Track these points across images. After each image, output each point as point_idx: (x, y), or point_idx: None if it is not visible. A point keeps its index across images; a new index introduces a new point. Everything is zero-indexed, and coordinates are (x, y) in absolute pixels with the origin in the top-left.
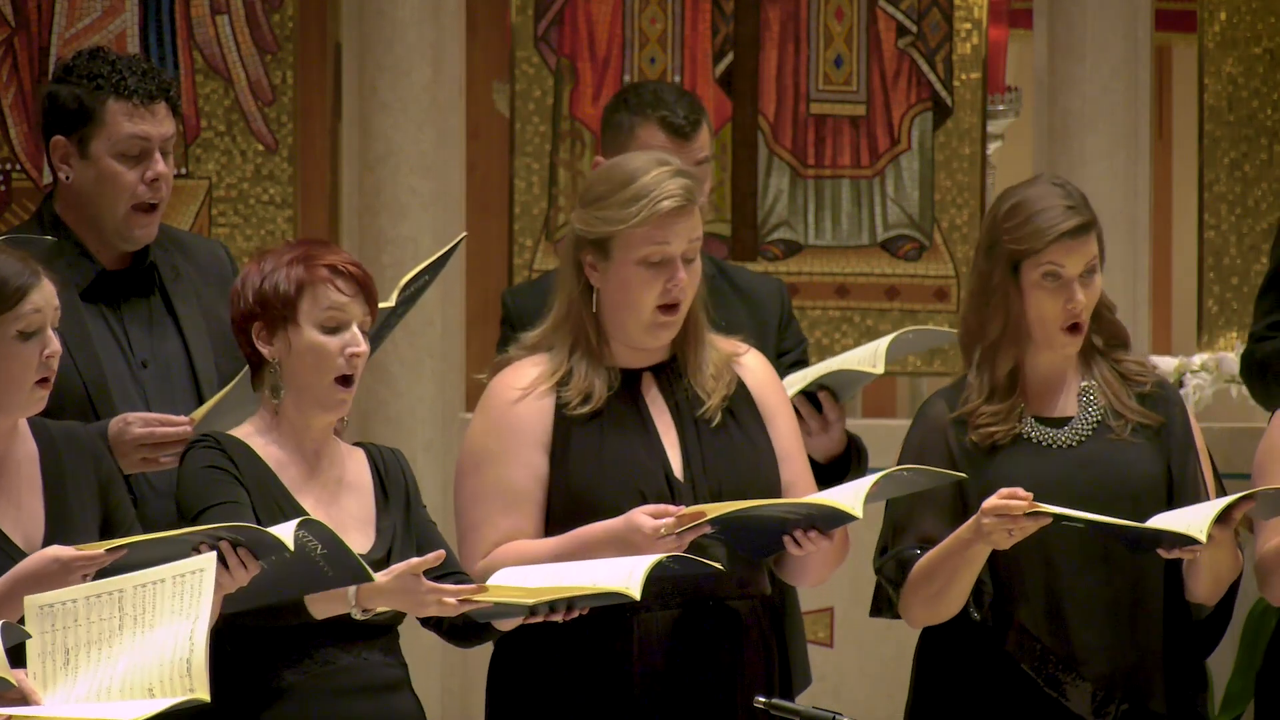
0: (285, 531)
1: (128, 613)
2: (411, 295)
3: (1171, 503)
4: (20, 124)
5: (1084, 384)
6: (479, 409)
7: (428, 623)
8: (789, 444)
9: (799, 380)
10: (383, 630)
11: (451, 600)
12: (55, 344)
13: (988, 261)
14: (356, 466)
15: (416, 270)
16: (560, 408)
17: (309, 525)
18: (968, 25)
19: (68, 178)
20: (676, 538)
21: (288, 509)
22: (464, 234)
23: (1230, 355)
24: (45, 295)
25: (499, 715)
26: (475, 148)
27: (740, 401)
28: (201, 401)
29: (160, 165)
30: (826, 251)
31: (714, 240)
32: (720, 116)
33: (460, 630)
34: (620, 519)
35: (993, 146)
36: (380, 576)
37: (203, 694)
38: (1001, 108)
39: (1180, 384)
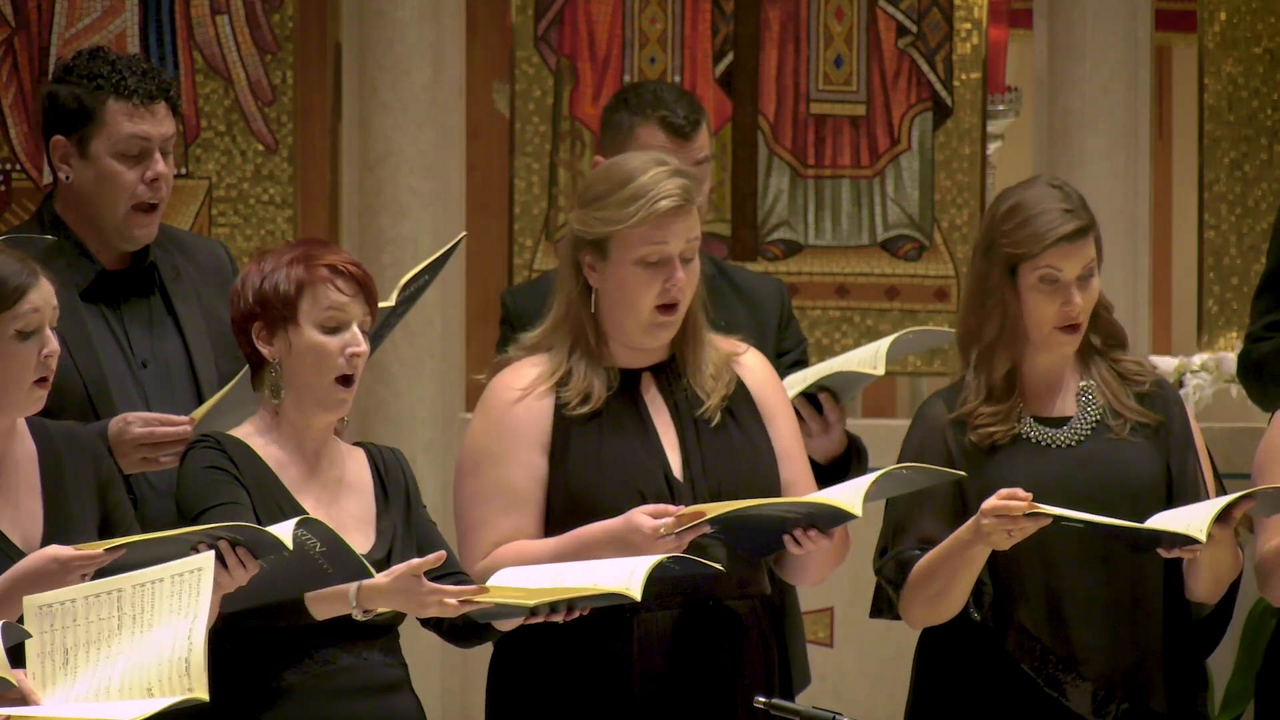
0: (284, 530)
1: (126, 612)
2: (411, 295)
3: (1171, 501)
4: (20, 124)
5: (1083, 384)
6: (478, 409)
7: (428, 623)
8: (788, 443)
9: (799, 382)
10: (383, 630)
11: (452, 601)
12: (54, 344)
13: (985, 263)
14: (356, 466)
15: (416, 270)
16: (559, 408)
17: (308, 524)
18: (968, 25)
19: (68, 178)
20: (676, 537)
21: (288, 509)
22: (464, 234)
23: (1230, 355)
24: (44, 295)
25: (499, 715)
26: (475, 148)
27: (740, 401)
28: (201, 401)
29: (160, 165)
30: (826, 251)
31: (714, 240)
32: (720, 116)
33: (460, 630)
34: (619, 519)
35: (993, 146)
36: (381, 577)
37: (201, 693)
38: (1001, 108)
39: (1180, 384)
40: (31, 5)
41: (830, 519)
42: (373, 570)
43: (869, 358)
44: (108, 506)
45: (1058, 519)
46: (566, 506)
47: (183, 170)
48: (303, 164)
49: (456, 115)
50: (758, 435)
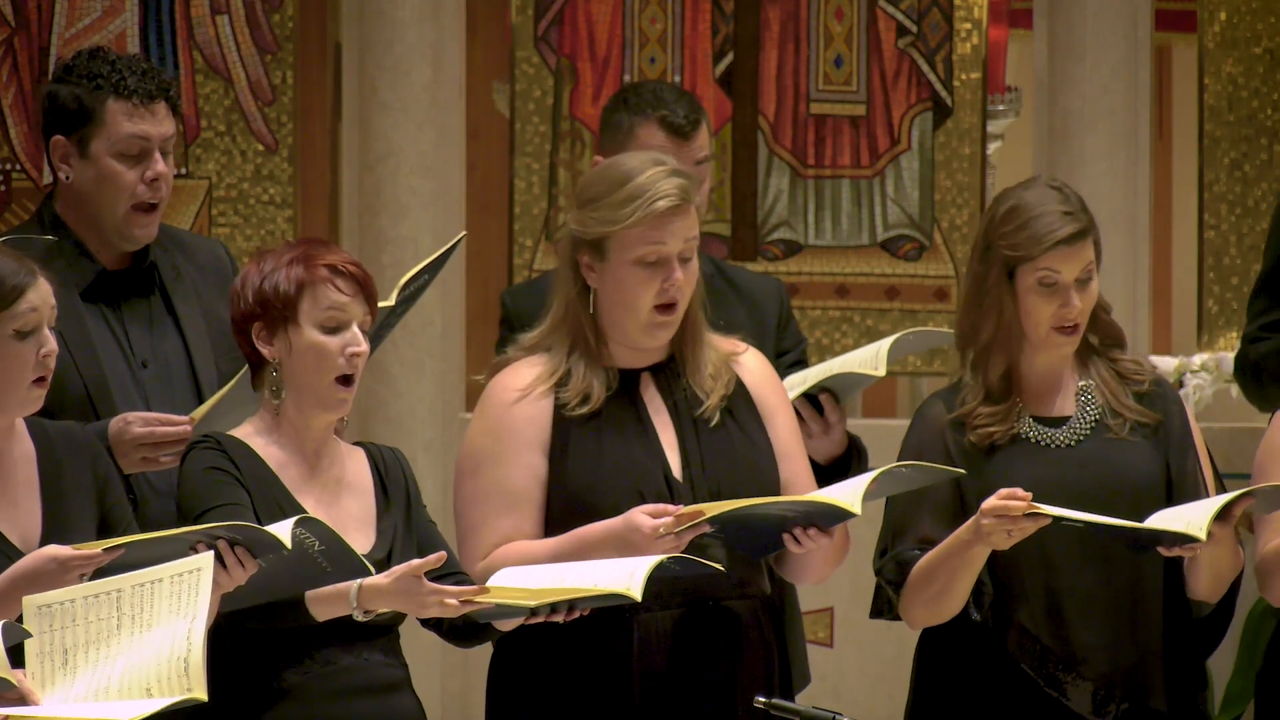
0: (282, 530)
1: (126, 612)
2: (411, 295)
3: (1170, 500)
4: (20, 124)
5: (1082, 384)
6: (477, 410)
7: (428, 623)
8: (788, 442)
9: (800, 383)
10: (383, 631)
11: (453, 601)
12: (52, 343)
13: (983, 264)
14: (357, 466)
15: (416, 270)
16: (559, 408)
17: (306, 523)
18: (968, 25)
19: (68, 178)
20: (675, 537)
21: (288, 509)
22: (463, 233)
23: (1230, 355)
24: (41, 294)
25: (499, 716)
26: (475, 148)
27: (739, 401)
28: (201, 401)
29: (160, 165)
30: (826, 251)
31: (714, 240)
32: (720, 116)
33: (461, 630)
34: (619, 519)
35: (993, 146)
36: (381, 578)
37: (200, 694)
38: (1001, 108)
39: (1180, 384)
40: (31, 5)
41: (829, 517)
42: (372, 569)
43: (870, 358)
44: (106, 506)
45: (1057, 519)
46: (566, 507)
47: (183, 170)
48: (303, 164)
49: (456, 115)
50: (757, 435)
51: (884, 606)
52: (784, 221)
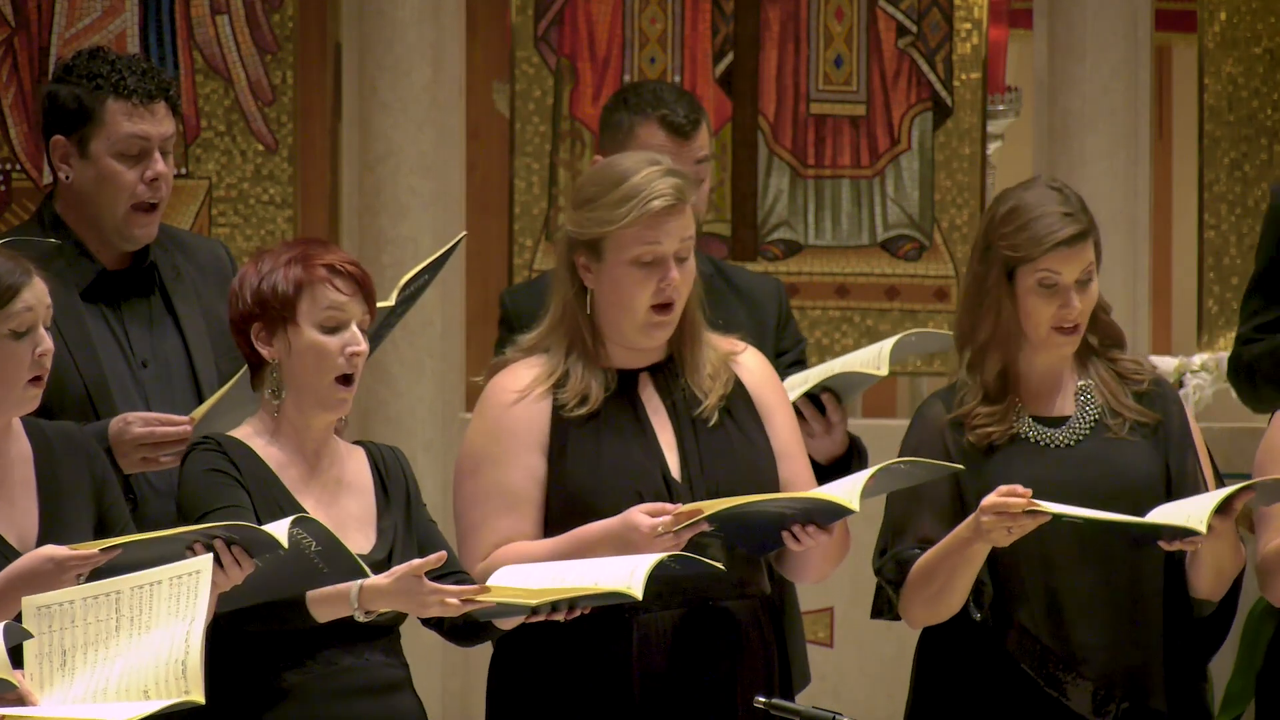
0: (279, 529)
1: (124, 614)
2: (411, 295)
3: (1170, 500)
4: (20, 124)
5: (1081, 383)
6: (476, 412)
7: (429, 622)
8: (787, 441)
9: (801, 382)
10: (384, 631)
11: (454, 601)
12: (48, 342)
13: (983, 265)
14: (357, 465)
15: (416, 270)
16: (557, 409)
17: (303, 523)
18: (968, 25)
19: (68, 177)
20: (674, 536)
21: (289, 510)
22: (464, 234)
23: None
24: (36, 293)
25: (499, 716)
26: (475, 148)
27: (738, 400)
28: (201, 401)
29: (160, 165)
30: (826, 251)
31: (714, 240)
32: (720, 116)
33: (461, 629)
34: (617, 518)
35: (993, 146)
36: (382, 578)
37: (197, 696)
38: (1001, 108)
39: (1180, 384)
40: (31, 5)
41: (828, 514)
42: (368, 570)
43: (871, 358)
44: (103, 507)
45: (1057, 515)
46: (565, 507)
47: (183, 170)
48: (303, 164)
49: (456, 115)
50: (756, 434)
51: (884, 607)
52: (784, 221)
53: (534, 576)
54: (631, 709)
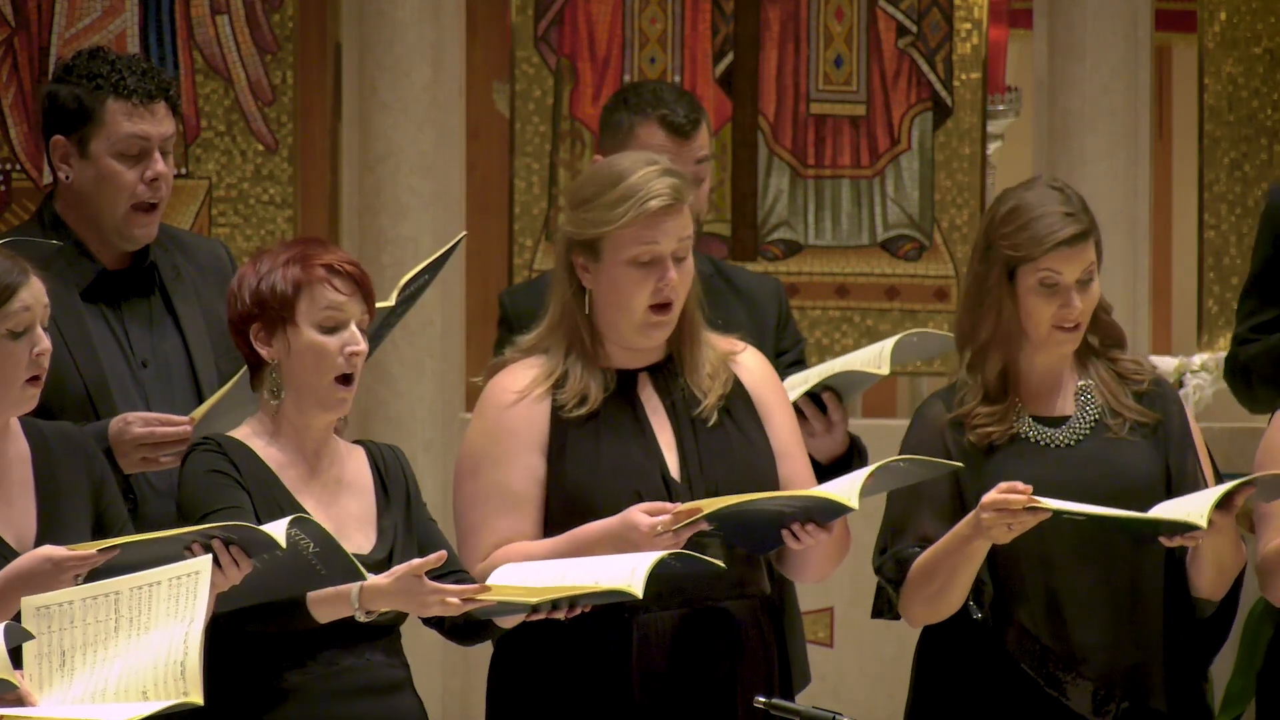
0: (277, 530)
1: (124, 615)
2: (411, 295)
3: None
4: (20, 124)
5: (1081, 383)
6: (476, 412)
7: (429, 621)
8: (787, 441)
9: (802, 382)
10: (385, 631)
11: (454, 600)
12: (45, 342)
13: (983, 264)
14: (357, 465)
15: (416, 270)
16: (556, 410)
17: (301, 523)
18: (968, 25)
19: (68, 177)
20: (674, 535)
21: (289, 510)
22: (464, 234)
23: None
24: (34, 293)
25: (499, 715)
26: (475, 148)
27: (737, 400)
28: (201, 401)
29: (160, 165)
30: (826, 251)
31: (714, 240)
32: (720, 116)
33: (462, 628)
34: (616, 518)
35: (993, 146)
36: (382, 578)
37: (196, 697)
38: (1001, 108)
39: (1180, 384)
40: (31, 5)
41: (827, 512)
42: (365, 572)
43: (873, 358)
44: (101, 507)
45: (1057, 512)
46: (565, 507)
47: (183, 170)
48: (303, 164)
49: (456, 115)
50: (755, 434)
51: (884, 607)
52: (784, 221)
53: (534, 575)
54: (631, 709)
